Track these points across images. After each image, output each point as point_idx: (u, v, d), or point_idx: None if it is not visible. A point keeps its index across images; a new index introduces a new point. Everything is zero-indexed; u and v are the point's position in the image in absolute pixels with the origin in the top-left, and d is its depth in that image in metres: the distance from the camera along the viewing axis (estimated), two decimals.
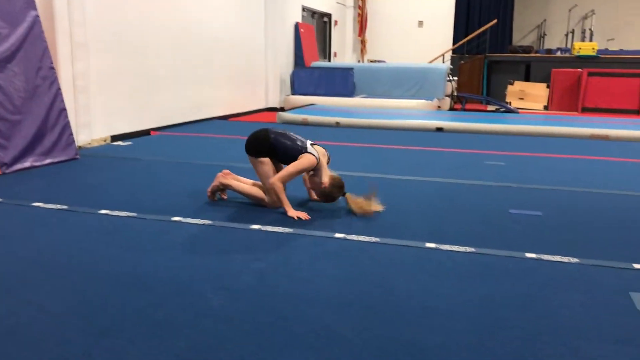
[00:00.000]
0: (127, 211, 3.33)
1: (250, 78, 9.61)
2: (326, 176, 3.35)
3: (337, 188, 3.37)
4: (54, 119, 4.75)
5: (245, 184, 3.60)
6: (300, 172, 3.36)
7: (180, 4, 7.23)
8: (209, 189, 3.63)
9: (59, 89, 4.81)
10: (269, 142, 3.37)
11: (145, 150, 5.54)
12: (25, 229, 3.03)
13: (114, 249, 2.72)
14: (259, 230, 3.04)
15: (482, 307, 2.14)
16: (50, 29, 5.04)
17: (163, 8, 6.86)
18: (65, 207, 3.42)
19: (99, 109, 5.82)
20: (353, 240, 2.89)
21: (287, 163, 3.36)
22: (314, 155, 3.32)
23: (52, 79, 4.75)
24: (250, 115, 9.43)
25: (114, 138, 6.08)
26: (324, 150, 3.50)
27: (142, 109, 6.61)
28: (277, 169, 3.46)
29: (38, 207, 3.42)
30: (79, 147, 5.42)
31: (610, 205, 3.73)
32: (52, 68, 4.77)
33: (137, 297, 2.17)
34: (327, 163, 3.48)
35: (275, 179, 3.29)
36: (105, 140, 5.93)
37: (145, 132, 6.63)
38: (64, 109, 4.85)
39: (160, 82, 6.92)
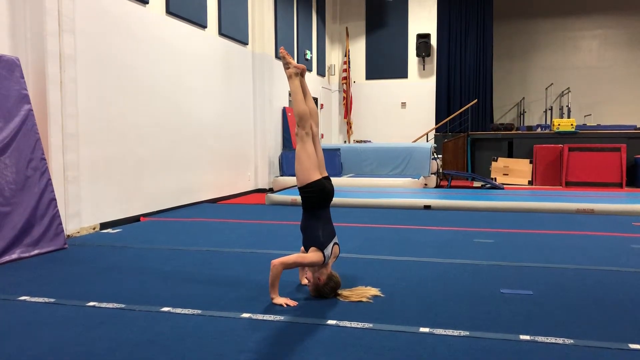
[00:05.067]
0: (115, 302, 3.28)
1: (239, 160, 9.76)
2: (325, 274, 3.33)
3: (330, 289, 3.33)
4: (44, 210, 4.76)
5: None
6: (303, 265, 3.38)
7: (169, 91, 7.46)
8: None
9: (49, 179, 4.85)
10: (320, 196, 3.40)
11: (134, 237, 5.52)
12: (9, 324, 2.95)
13: (101, 344, 2.65)
14: (249, 318, 2.99)
15: None
16: (43, 120, 5.16)
17: (153, 96, 7.07)
18: (52, 300, 3.36)
19: (88, 197, 5.85)
20: (345, 326, 2.85)
21: (302, 229, 3.40)
22: (324, 256, 3.30)
23: (42, 170, 4.80)
24: (239, 198, 9.49)
25: (103, 226, 6.07)
26: (338, 252, 3.51)
27: (131, 195, 6.64)
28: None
29: (24, 301, 3.36)
30: (68, 236, 5.39)
31: (600, 282, 3.74)
32: (43, 159, 4.84)
33: None
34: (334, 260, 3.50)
35: (278, 262, 3.24)
36: (94, 229, 5.91)
37: (135, 219, 6.63)
38: (53, 199, 4.86)
39: (149, 167, 7.01)
